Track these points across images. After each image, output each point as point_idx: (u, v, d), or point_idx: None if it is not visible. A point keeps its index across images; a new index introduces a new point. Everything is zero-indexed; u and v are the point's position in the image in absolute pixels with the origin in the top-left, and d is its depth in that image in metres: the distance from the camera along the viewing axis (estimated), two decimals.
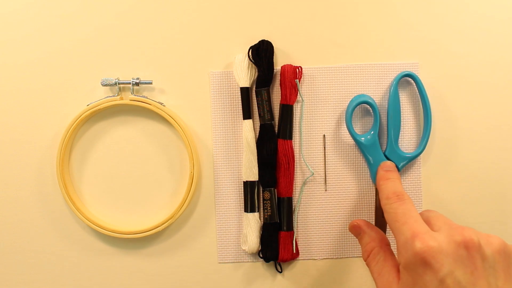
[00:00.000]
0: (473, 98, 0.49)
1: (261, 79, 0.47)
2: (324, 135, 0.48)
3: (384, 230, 0.48)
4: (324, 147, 0.48)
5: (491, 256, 0.34)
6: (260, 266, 0.50)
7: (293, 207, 0.48)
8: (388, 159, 0.47)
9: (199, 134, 0.49)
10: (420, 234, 0.35)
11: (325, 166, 0.49)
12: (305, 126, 0.49)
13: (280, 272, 0.49)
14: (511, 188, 0.49)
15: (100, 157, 0.49)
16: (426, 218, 0.38)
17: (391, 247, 0.41)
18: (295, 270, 0.49)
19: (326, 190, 0.49)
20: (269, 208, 0.47)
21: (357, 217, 0.49)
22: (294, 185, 0.48)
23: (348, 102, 0.48)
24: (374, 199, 0.48)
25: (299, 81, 0.48)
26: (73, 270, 0.50)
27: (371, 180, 0.48)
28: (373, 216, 0.49)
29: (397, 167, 0.47)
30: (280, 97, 0.48)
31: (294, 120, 0.48)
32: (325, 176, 0.49)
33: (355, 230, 0.44)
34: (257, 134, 0.48)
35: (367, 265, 0.41)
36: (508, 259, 0.35)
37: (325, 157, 0.49)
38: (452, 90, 0.49)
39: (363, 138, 0.47)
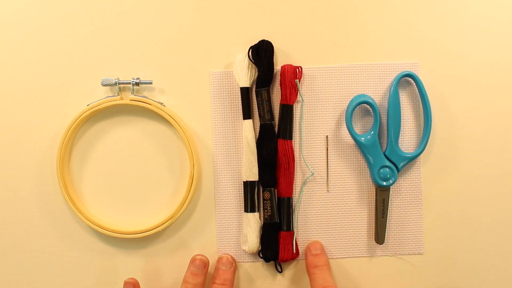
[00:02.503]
0: (473, 98, 0.49)
1: (261, 79, 0.47)
2: (327, 136, 0.48)
3: (384, 231, 0.48)
4: (327, 149, 0.48)
5: None
6: (260, 266, 0.50)
7: (293, 207, 0.48)
8: (388, 159, 0.47)
9: (199, 134, 0.49)
10: None
11: (327, 167, 0.49)
12: (305, 126, 0.49)
13: (280, 272, 0.49)
14: (511, 188, 0.49)
15: (100, 157, 0.49)
16: None
17: None
18: (295, 270, 0.49)
19: (328, 191, 0.49)
20: (269, 208, 0.47)
21: (357, 217, 0.49)
22: (294, 185, 0.48)
23: (348, 102, 0.48)
24: (375, 199, 0.48)
25: (299, 81, 0.48)
26: (73, 270, 0.50)
27: (371, 180, 0.48)
28: (373, 216, 0.49)
29: (397, 167, 0.47)
30: (280, 97, 0.48)
31: (294, 120, 0.48)
32: (327, 177, 0.49)
33: None
34: (257, 134, 0.48)
35: None
36: None
37: (327, 158, 0.48)
38: (452, 90, 0.48)
39: (363, 138, 0.47)
